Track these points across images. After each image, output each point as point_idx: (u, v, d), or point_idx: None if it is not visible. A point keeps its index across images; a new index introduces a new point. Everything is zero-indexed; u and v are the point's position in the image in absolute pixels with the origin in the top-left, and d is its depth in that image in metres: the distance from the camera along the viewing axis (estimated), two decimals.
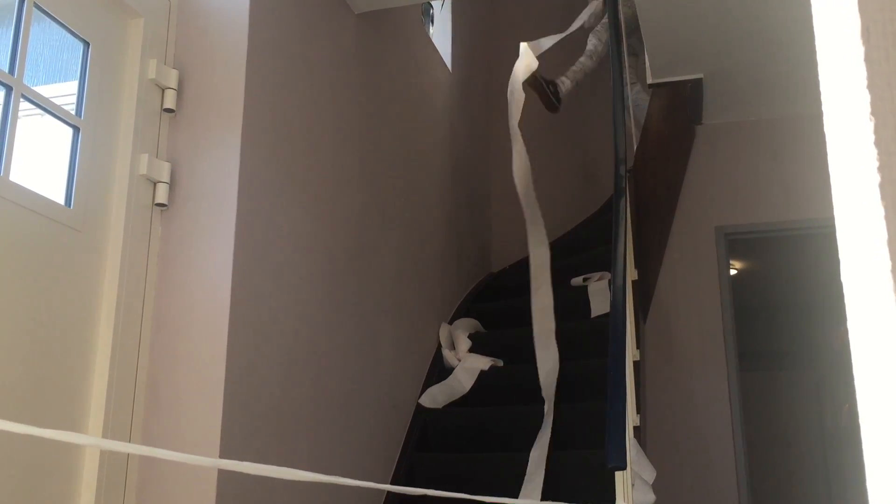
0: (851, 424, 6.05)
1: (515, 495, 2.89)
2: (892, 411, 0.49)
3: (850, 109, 0.54)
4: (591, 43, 4.47)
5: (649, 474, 2.72)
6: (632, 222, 3.60)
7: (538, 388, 3.41)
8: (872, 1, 0.53)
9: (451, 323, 4.11)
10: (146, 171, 2.27)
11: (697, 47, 3.72)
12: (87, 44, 2.21)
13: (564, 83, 4.34)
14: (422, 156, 4.05)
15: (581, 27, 4.52)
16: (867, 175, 0.52)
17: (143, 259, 2.26)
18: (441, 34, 4.79)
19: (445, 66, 4.61)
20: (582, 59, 4.45)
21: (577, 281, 4.11)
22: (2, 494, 1.81)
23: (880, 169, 0.51)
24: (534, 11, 5.55)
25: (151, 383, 2.22)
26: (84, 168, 2.13)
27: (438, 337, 3.98)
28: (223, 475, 2.11)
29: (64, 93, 2.22)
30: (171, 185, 2.35)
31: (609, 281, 3.76)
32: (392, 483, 3.17)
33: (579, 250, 4.43)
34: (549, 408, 3.27)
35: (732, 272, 5.37)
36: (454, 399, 3.65)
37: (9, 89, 1.94)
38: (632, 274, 3.50)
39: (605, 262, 3.80)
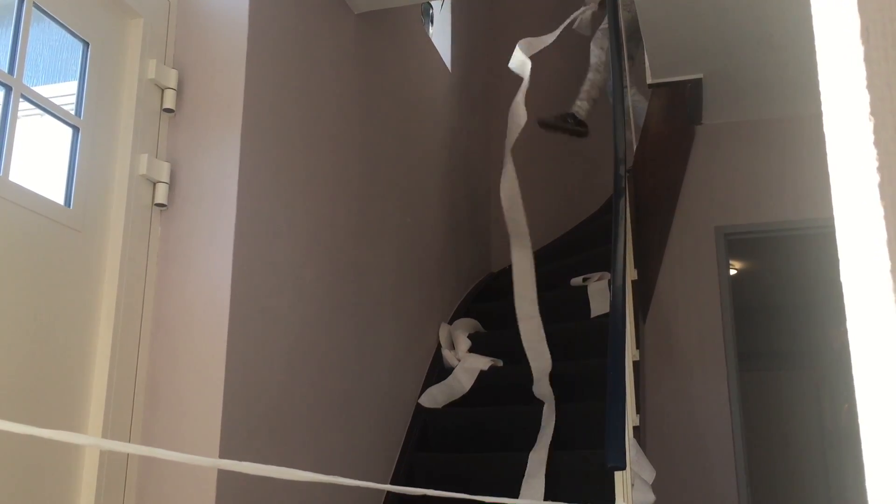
0: (851, 424, 6.05)
1: (515, 495, 2.89)
2: (892, 411, 0.49)
3: (850, 109, 0.54)
4: (594, 55, 4.46)
5: (649, 474, 2.72)
6: (631, 222, 3.60)
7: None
8: (872, 1, 0.53)
9: (450, 323, 4.11)
10: (146, 172, 2.27)
11: (697, 47, 3.72)
12: (86, 44, 2.21)
13: (581, 106, 4.36)
14: (422, 156, 4.05)
15: (581, 35, 4.52)
16: (867, 175, 0.52)
17: (142, 259, 2.26)
18: (441, 34, 4.79)
19: (445, 66, 4.61)
20: (590, 75, 4.45)
21: (576, 281, 4.11)
22: (2, 494, 1.81)
23: (880, 169, 0.51)
24: (533, 11, 5.55)
25: (151, 383, 2.22)
26: (84, 168, 2.13)
27: (438, 337, 3.98)
28: (223, 475, 2.11)
29: (63, 93, 2.22)
30: (171, 185, 2.35)
31: (609, 281, 3.76)
32: (392, 483, 3.17)
33: (579, 250, 4.43)
34: (549, 410, 3.26)
35: (732, 272, 5.37)
36: (454, 399, 3.65)
37: (8, 89, 1.94)
38: (631, 274, 3.50)
39: (604, 262, 3.80)
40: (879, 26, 0.53)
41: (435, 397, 3.61)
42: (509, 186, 3.75)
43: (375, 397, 3.18)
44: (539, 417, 3.26)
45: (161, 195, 2.32)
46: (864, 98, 0.52)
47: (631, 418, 2.69)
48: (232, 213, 2.29)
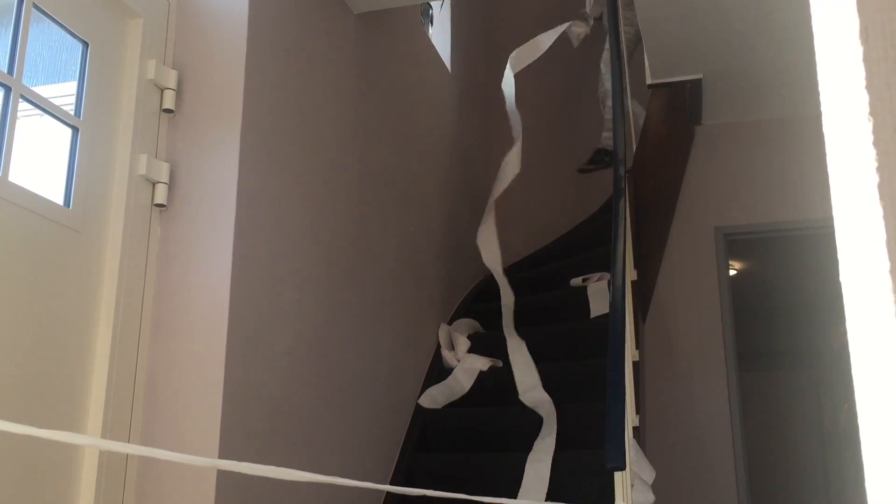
0: (851, 424, 6.05)
1: (514, 495, 2.88)
2: (892, 411, 0.49)
3: (849, 110, 0.54)
4: (607, 81, 4.46)
5: (648, 475, 2.72)
6: (631, 223, 3.60)
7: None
8: (871, 1, 0.53)
9: (450, 323, 4.11)
10: (145, 172, 2.27)
11: (697, 47, 3.72)
12: (86, 44, 2.20)
13: (609, 137, 4.38)
14: (421, 156, 4.05)
15: (580, 53, 4.52)
16: (866, 175, 0.52)
17: (142, 259, 2.26)
18: (440, 34, 4.79)
19: (445, 66, 4.61)
20: (608, 101, 4.45)
21: (576, 281, 4.11)
22: (2, 494, 1.81)
23: (879, 169, 0.51)
24: (533, 12, 5.55)
25: (151, 383, 2.22)
26: (83, 168, 2.13)
27: (438, 337, 3.98)
28: (222, 475, 2.11)
29: (63, 93, 2.22)
30: (170, 185, 2.35)
31: (608, 281, 3.76)
32: (391, 483, 3.17)
33: (579, 250, 4.43)
34: (550, 420, 3.22)
35: (731, 272, 5.37)
36: (453, 399, 3.65)
37: (8, 90, 1.94)
38: (631, 274, 3.51)
39: (604, 262, 3.79)
40: (879, 26, 0.53)
41: (434, 398, 3.61)
42: (488, 232, 3.78)
43: (375, 397, 3.18)
44: (538, 417, 3.26)
45: (160, 195, 2.32)
46: (864, 98, 0.52)
47: (631, 418, 2.69)
48: (231, 214, 2.29)
